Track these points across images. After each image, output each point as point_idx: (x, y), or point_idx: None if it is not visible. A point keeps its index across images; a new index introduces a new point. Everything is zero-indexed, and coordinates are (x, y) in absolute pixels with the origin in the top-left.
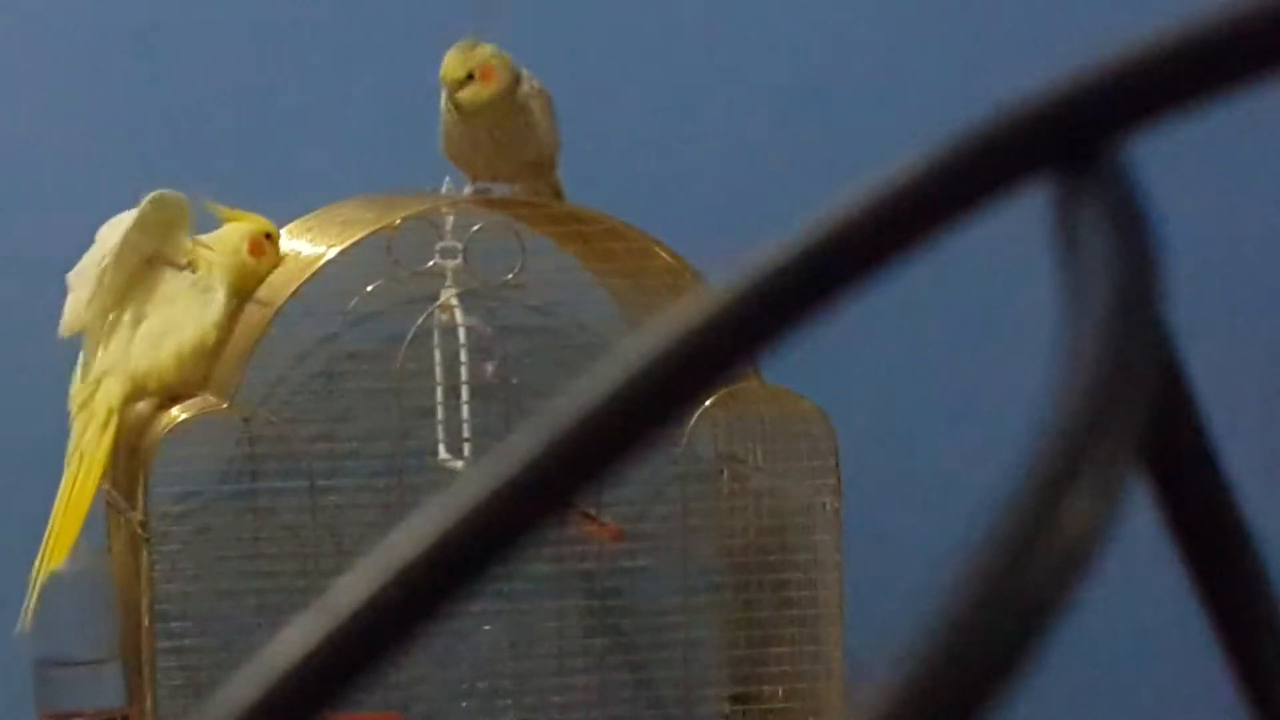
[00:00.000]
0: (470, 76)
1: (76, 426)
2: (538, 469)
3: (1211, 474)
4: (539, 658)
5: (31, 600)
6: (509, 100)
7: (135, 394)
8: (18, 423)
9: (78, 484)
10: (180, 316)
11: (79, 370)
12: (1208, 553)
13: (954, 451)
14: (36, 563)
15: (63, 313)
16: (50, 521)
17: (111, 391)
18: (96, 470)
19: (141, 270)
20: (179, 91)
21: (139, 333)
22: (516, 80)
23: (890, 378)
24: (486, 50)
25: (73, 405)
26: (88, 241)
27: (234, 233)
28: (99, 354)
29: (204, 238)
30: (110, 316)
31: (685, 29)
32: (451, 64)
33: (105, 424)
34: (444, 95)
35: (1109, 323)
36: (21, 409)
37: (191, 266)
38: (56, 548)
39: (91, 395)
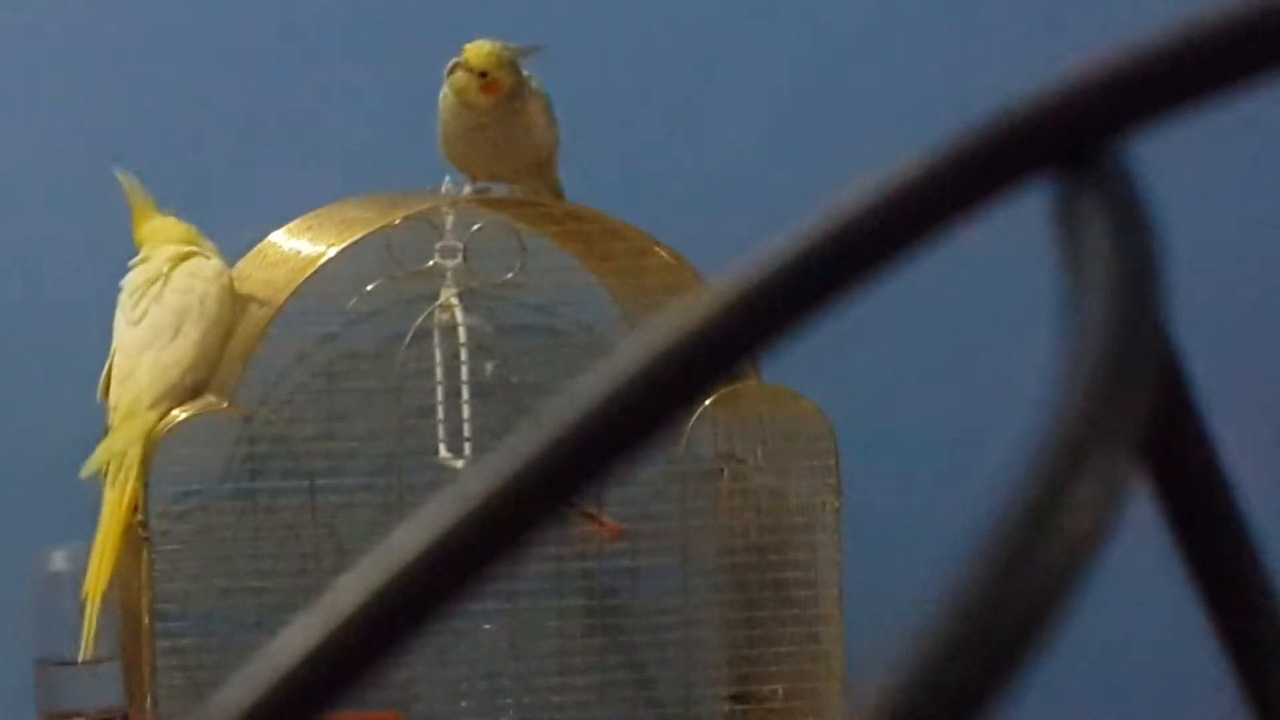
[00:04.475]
0: (484, 75)
1: (120, 436)
2: (538, 469)
3: (1212, 473)
4: (539, 658)
5: (90, 626)
6: (499, 110)
7: (169, 401)
8: (15, 423)
9: (125, 503)
10: (187, 298)
11: (112, 371)
12: (1208, 552)
13: (954, 451)
14: (89, 583)
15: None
16: (100, 540)
17: (145, 400)
18: (137, 489)
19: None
20: (179, 91)
21: (154, 328)
22: (513, 94)
23: (890, 378)
24: (511, 71)
25: (113, 414)
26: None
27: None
28: (118, 358)
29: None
30: (124, 318)
31: (685, 29)
32: (480, 53)
33: (140, 441)
34: (446, 78)
35: (1110, 322)
36: (18, 409)
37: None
38: (107, 567)
39: (132, 404)
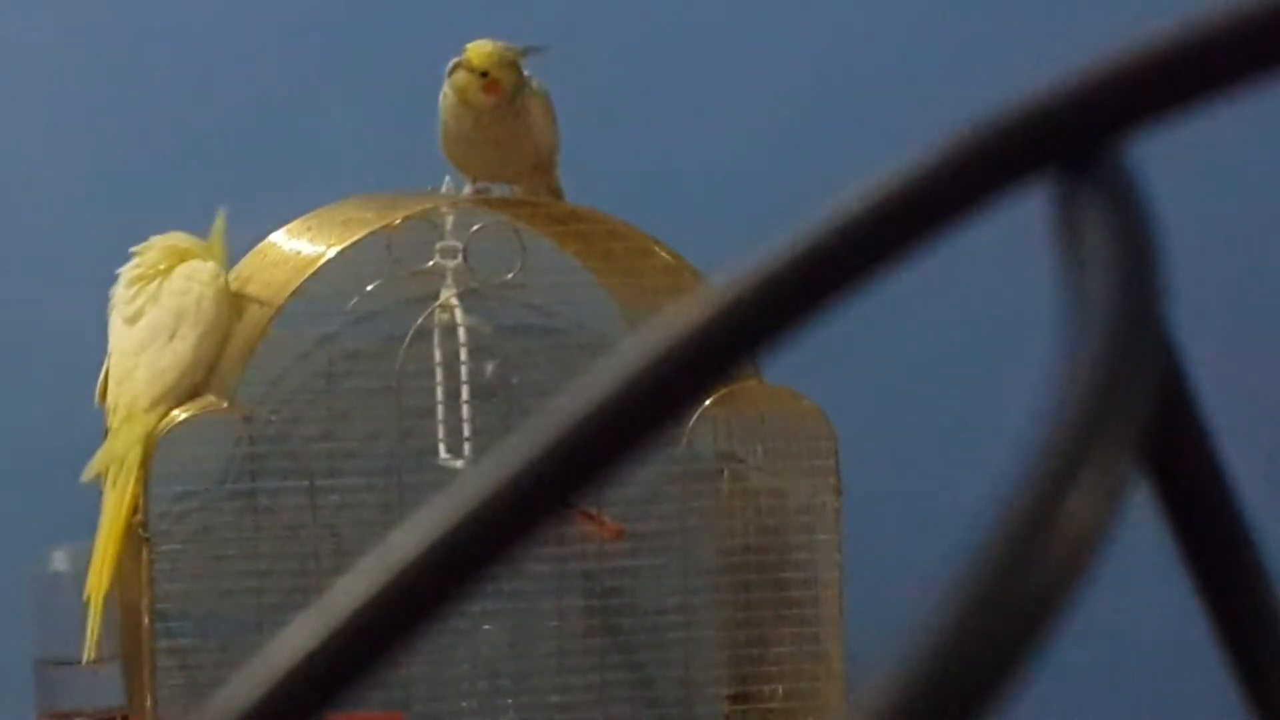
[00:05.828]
0: (486, 75)
1: (120, 439)
2: (538, 469)
3: (1213, 474)
4: (539, 658)
5: (94, 628)
6: (499, 110)
7: (166, 404)
8: (15, 424)
9: (125, 504)
10: (182, 300)
11: (109, 371)
12: (1209, 553)
13: (954, 451)
14: (90, 584)
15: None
16: (101, 541)
17: (143, 402)
18: (137, 490)
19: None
20: (179, 91)
21: (151, 329)
22: (514, 94)
23: (890, 378)
24: (513, 72)
25: (111, 416)
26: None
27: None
28: (115, 359)
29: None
30: (119, 319)
31: (686, 28)
32: (482, 53)
33: (140, 442)
34: (447, 77)
35: (1110, 322)
36: (18, 410)
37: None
38: (108, 568)
39: (130, 405)
